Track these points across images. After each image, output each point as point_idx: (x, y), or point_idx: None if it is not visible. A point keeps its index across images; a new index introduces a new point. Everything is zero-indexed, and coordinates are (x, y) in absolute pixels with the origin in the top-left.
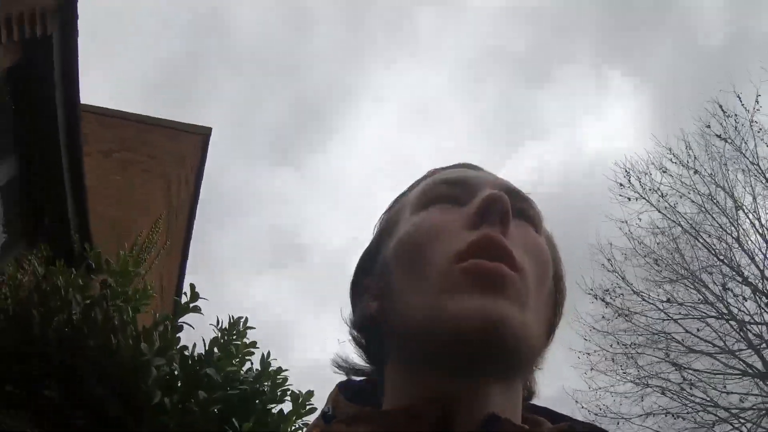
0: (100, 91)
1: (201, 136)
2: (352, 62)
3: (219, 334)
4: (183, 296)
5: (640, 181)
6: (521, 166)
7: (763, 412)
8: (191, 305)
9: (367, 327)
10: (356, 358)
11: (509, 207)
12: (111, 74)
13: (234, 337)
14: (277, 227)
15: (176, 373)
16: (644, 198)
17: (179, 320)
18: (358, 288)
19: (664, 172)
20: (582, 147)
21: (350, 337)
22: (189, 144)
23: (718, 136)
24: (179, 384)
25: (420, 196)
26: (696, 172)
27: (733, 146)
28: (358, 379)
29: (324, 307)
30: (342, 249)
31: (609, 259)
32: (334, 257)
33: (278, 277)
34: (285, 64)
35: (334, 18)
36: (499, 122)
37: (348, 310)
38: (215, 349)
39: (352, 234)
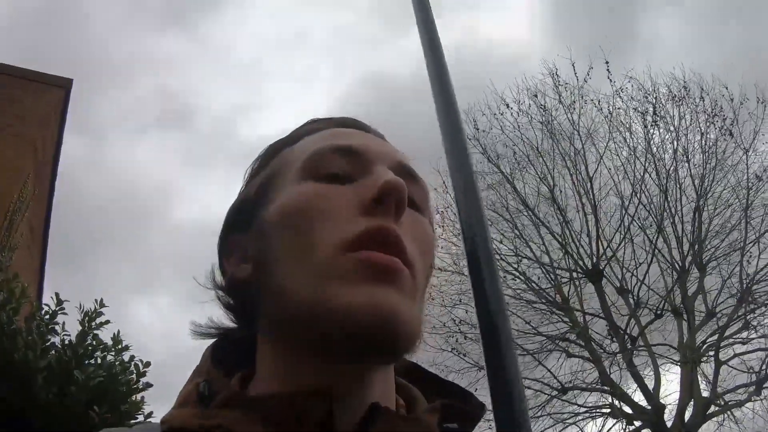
0: None
1: (63, 89)
2: None
3: (81, 318)
4: (51, 300)
5: (475, 124)
6: (415, 45)
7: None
8: (57, 309)
9: (237, 290)
10: (225, 319)
11: (406, 197)
12: None
13: (94, 324)
14: (163, 90)
15: (54, 369)
16: (472, 141)
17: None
18: (227, 244)
19: (497, 118)
20: (475, 33)
21: (217, 298)
22: (52, 99)
23: (542, 107)
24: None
25: (308, 163)
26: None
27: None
28: (230, 339)
29: (206, 171)
30: (227, 116)
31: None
32: (219, 123)
33: (162, 139)
34: None
35: None
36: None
37: (208, 267)
38: (79, 349)
39: (238, 101)
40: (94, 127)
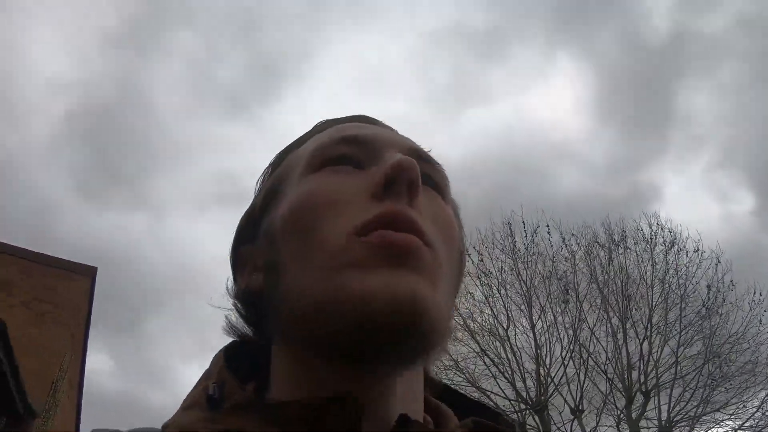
0: None
1: (89, 278)
2: (311, 24)
3: None
4: None
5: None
6: (466, 129)
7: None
8: None
9: (251, 301)
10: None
11: (419, 176)
12: None
13: None
14: (224, 173)
15: None
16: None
17: None
18: (238, 257)
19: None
20: (525, 116)
21: (234, 309)
22: (81, 286)
23: (481, 277)
24: None
25: (313, 155)
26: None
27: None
28: (245, 345)
29: None
30: None
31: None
32: None
33: (221, 216)
34: (244, 20)
35: None
36: (450, 91)
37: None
38: None
39: None
40: (156, 203)
